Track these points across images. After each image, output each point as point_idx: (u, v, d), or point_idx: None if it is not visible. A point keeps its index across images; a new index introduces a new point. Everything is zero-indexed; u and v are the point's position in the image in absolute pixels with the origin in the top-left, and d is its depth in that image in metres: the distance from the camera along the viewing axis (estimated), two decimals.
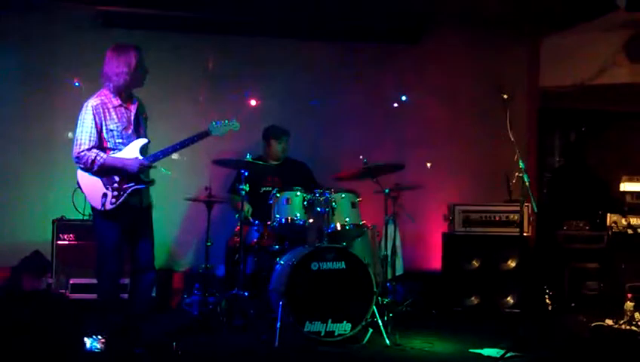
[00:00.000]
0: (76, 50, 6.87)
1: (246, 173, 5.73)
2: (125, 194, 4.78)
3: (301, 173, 6.62)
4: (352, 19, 7.26)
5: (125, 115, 4.84)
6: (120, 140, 4.81)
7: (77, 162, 4.74)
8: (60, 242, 6.32)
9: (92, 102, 4.76)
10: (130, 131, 4.86)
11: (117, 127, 4.79)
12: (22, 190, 6.92)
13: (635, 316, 5.81)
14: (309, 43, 7.49)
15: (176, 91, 7.19)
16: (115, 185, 4.77)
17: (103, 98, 4.79)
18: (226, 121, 5.17)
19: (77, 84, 6.13)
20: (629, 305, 5.90)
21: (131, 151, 4.82)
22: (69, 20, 6.99)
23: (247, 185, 5.73)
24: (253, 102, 7.22)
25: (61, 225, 6.33)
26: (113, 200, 4.75)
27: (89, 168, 4.72)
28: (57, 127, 6.87)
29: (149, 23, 7.09)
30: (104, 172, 4.74)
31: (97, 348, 4.64)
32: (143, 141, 4.88)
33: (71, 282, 6.23)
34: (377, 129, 7.47)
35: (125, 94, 4.86)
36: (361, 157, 5.74)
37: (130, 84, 4.83)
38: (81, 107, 4.78)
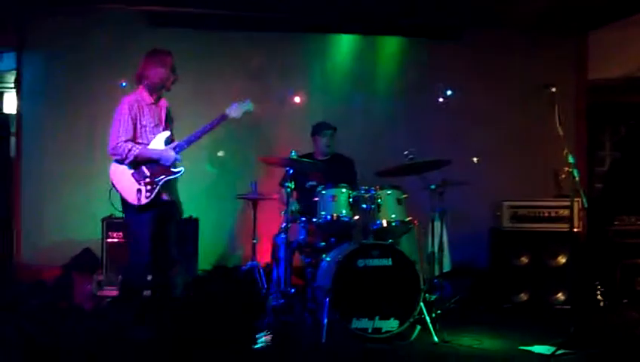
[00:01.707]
0: (120, 50, 6.98)
1: (291, 171, 5.75)
2: (158, 187, 5.01)
3: (345, 168, 6.61)
4: (393, 16, 7.23)
5: (157, 112, 5.17)
6: (152, 135, 5.10)
7: (113, 153, 4.98)
8: (109, 240, 6.44)
9: (128, 98, 5.05)
10: (161, 129, 5.17)
11: (149, 122, 5.08)
12: (71, 189, 7.07)
13: None
14: (355, 37, 7.51)
15: (217, 89, 7.23)
16: (147, 179, 5.00)
17: (138, 96, 5.09)
18: (242, 103, 5.34)
19: (124, 84, 6.23)
20: None
21: (158, 144, 5.09)
22: (114, 21, 7.10)
23: (293, 182, 5.75)
24: (297, 99, 7.26)
25: (110, 223, 6.45)
26: (148, 193, 4.98)
27: (124, 159, 4.96)
28: (103, 127, 6.97)
29: (190, 21, 7.20)
30: (138, 163, 4.98)
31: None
32: (166, 133, 5.14)
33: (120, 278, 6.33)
34: (424, 125, 7.45)
35: (157, 95, 5.17)
36: (406, 152, 5.71)
37: (164, 86, 5.15)
38: (122, 101, 5.06)
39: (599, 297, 6.38)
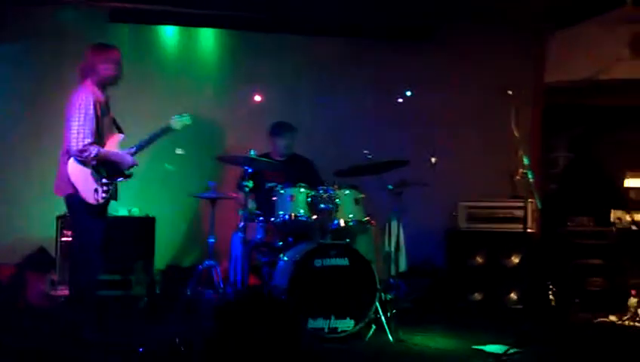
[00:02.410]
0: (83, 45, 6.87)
1: (250, 170, 5.74)
2: (112, 187, 5.00)
3: (305, 169, 6.62)
4: (363, 16, 7.25)
5: (107, 110, 5.05)
6: (108, 135, 5.04)
7: (77, 154, 4.83)
8: (64, 239, 6.32)
9: (90, 95, 4.87)
10: (114, 128, 5.12)
11: (104, 121, 4.98)
12: (24, 185, 6.92)
13: (639, 312, 5.80)
14: (319, 39, 7.51)
15: (183, 85, 7.22)
16: (104, 179, 4.95)
17: (92, 91, 4.91)
18: (182, 116, 5.40)
19: None
20: (633, 301, 5.91)
21: (113, 146, 5.05)
22: (76, 16, 6.99)
23: (251, 181, 5.74)
24: (257, 98, 7.25)
25: (65, 222, 6.33)
26: (103, 194, 4.93)
27: (87, 161, 4.84)
28: (56, 122, 6.83)
29: (155, 18, 7.16)
30: (99, 165, 4.90)
31: None
32: (121, 136, 5.13)
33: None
34: (384, 125, 7.46)
35: (106, 92, 5.05)
36: (365, 152, 5.74)
37: (113, 81, 5.04)
38: (74, 98, 4.86)
39: (551, 297, 6.50)
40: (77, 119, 4.81)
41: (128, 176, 5.14)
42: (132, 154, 5.11)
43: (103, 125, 4.96)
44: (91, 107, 4.83)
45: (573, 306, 6.42)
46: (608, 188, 7.45)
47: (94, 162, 4.87)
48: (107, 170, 4.98)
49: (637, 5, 6.38)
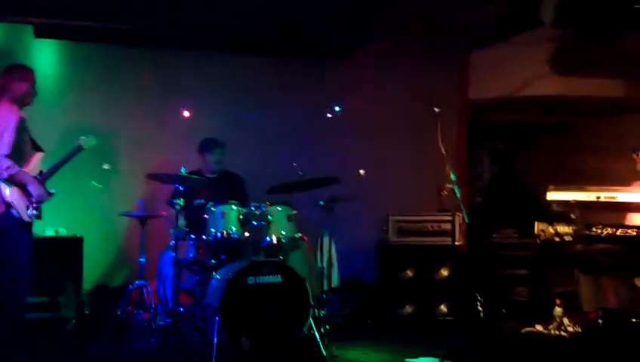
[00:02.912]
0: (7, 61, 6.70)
1: (180, 188, 5.69)
2: (41, 205, 4.91)
3: (234, 185, 6.60)
4: (287, 35, 7.29)
5: (25, 129, 4.93)
6: (25, 153, 4.91)
7: None
8: None
9: (5, 113, 4.79)
10: (30, 146, 4.99)
11: (24, 139, 4.88)
12: None
13: (564, 321, 5.98)
14: (245, 57, 7.51)
15: (109, 103, 7.12)
16: (33, 198, 4.86)
17: (11, 109, 4.84)
18: (88, 138, 5.34)
19: None
20: (558, 310, 6.07)
21: (34, 164, 4.98)
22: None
23: (182, 199, 5.69)
24: (186, 114, 7.17)
25: None
26: (35, 211, 4.87)
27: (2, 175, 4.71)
28: None
29: (81, 34, 7.02)
30: (12, 186, 4.77)
31: None
32: (41, 154, 5.07)
33: None
34: (313, 142, 7.52)
35: (22, 110, 4.95)
36: (295, 164, 5.77)
37: (25, 102, 4.98)
38: None
39: (480, 308, 6.64)
40: None
41: (51, 195, 5.03)
42: (44, 179, 4.99)
43: (22, 144, 4.86)
44: (9, 124, 4.75)
45: (500, 316, 6.58)
46: (531, 201, 7.68)
47: (4, 177, 4.72)
48: (34, 189, 4.87)
49: (555, 27, 6.61)
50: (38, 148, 5.06)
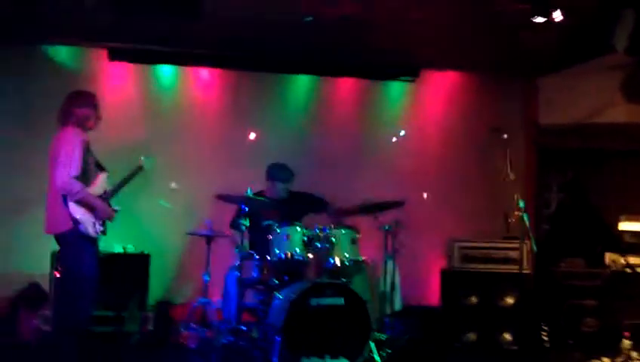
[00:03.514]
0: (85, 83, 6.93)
1: (246, 209, 5.76)
2: (107, 221, 5.09)
3: (304, 200, 6.62)
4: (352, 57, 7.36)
5: (89, 151, 5.07)
6: (91, 174, 5.03)
7: (63, 185, 4.84)
8: (58, 275, 6.29)
9: (73, 136, 4.95)
10: (94, 167, 5.11)
11: (89, 161, 5.02)
12: (20, 220, 6.91)
13: (632, 354, 5.81)
14: (311, 78, 7.60)
15: (178, 125, 7.28)
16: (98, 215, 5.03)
17: (78, 133, 5.00)
18: (148, 158, 5.53)
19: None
20: (626, 343, 5.91)
21: (99, 187, 5.09)
22: (74, 55, 7.14)
23: (248, 219, 5.75)
24: (252, 136, 7.28)
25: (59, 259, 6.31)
26: (100, 227, 5.03)
27: (69, 196, 4.86)
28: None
29: (150, 57, 7.29)
30: (79, 205, 4.90)
31: None
32: (105, 174, 5.17)
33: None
34: (378, 166, 7.51)
35: (86, 133, 5.10)
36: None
37: (92, 124, 5.14)
38: (60, 140, 4.94)
39: (545, 338, 6.50)
40: (66, 154, 4.87)
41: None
42: (108, 198, 5.14)
43: (88, 165, 5.02)
44: (77, 147, 4.92)
45: (566, 347, 6.42)
46: (602, 231, 7.51)
47: (74, 199, 4.86)
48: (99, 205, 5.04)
49: (629, 54, 6.49)
50: (102, 169, 5.20)
